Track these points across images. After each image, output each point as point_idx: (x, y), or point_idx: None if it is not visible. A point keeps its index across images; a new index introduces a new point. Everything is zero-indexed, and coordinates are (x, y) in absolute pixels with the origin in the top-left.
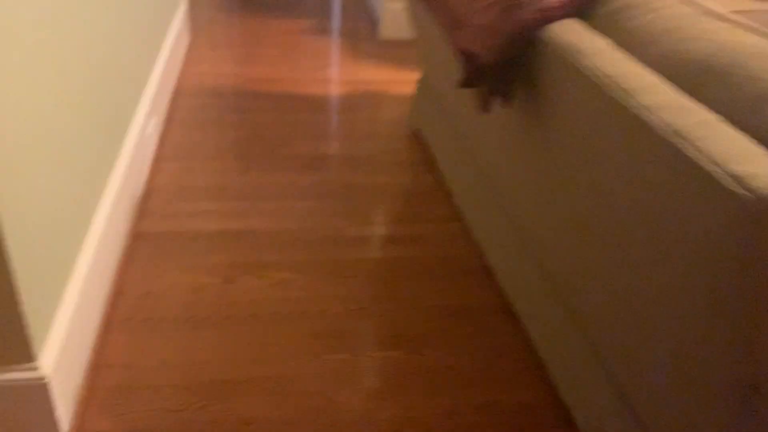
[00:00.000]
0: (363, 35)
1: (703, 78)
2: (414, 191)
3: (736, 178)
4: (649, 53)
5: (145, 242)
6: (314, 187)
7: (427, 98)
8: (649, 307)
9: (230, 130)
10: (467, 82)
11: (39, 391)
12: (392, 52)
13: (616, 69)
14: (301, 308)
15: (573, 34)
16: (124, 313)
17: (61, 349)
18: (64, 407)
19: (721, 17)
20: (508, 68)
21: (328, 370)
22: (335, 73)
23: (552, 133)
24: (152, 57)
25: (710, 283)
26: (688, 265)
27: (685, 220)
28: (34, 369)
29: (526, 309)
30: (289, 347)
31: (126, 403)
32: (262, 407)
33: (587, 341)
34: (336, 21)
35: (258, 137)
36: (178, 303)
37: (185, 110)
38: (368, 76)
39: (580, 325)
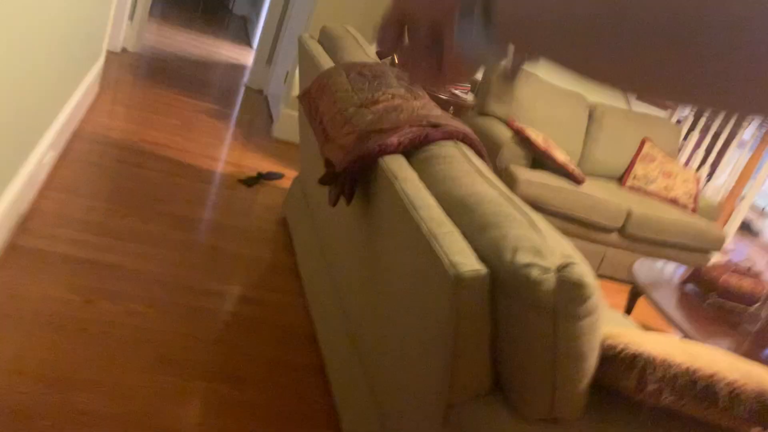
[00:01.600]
0: (258, 129)
1: (459, 208)
2: (270, 265)
3: (453, 264)
4: (436, 188)
5: (19, 254)
6: (183, 242)
7: (298, 193)
8: (403, 344)
9: (118, 179)
10: (323, 181)
11: None
12: (280, 150)
13: (414, 192)
14: (147, 336)
15: (395, 164)
16: None
17: None
18: None
19: (480, 173)
20: (352, 178)
21: (159, 386)
22: (225, 153)
23: (371, 228)
24: (63, 97)
25: (432, 335)
26: (421, 320)
27: (428, 285)
28: None
29: (334, 367)
30: (129, 363)
31: None
32: (96, 403)
33: (367, 378)
34: (236, 111)
35: (142, 191)
36: (39, 309)
37: (81, 152)
38: (254, 164)
39: (364, 366)
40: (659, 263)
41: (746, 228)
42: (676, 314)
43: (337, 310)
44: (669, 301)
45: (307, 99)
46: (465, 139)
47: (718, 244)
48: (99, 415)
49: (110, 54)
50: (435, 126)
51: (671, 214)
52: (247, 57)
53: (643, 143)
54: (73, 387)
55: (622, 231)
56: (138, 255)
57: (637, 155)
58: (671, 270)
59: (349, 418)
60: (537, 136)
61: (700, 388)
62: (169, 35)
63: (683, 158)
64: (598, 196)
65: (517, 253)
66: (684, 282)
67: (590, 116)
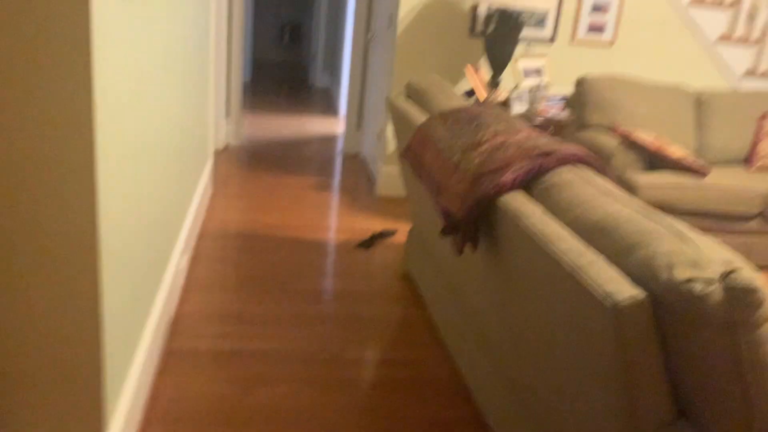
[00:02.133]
0: (361, 192)
1: (596, 234)
2: (403, 323)
3: (607, 294)
4: (565, 218)
5: (174, 358)
6: (318, 316)
7: (416, 245)
8: (568, 384)
9: (247, 267)
10: (445, 232)
11: None
12: (386, 207)
13: (544, 226)
14: (308, 414)
15: (516, 201)
16: (159, 414)
17: None
18: None
19: (607, 193)
20: (474, 223)
21: None
22: (336, 222)
23: (504, 270)
24: (186, 204)
25: (601, 374)
26: (586, 362)
27: (583, 320)
28: None
29: (495, 416)
30: None
31: None
32: None
33: (535, 424)
34: (337, 179)
35: (270, 274)
36: (204, 408)
37: (209, 250)
38: (365, 225)
39: (528, 410)
40: None
41: None
42: None
43: (484, 358)
44: None
45: (411, 155)
46: (582, 161)
47: None
48: None
49: (215, 152)
50: (547, 154)
51: None
52: (335, 126)
53: (763, 119)
54: None
55: (763, 215)
56: (279, 337)
57: (759, 132)
58: None
59: None
60: (647, 137)
61: None
62: (263, 122)
63: None
64: (728, 184)
65: (674, 269)
66: None
67: (697, 104)
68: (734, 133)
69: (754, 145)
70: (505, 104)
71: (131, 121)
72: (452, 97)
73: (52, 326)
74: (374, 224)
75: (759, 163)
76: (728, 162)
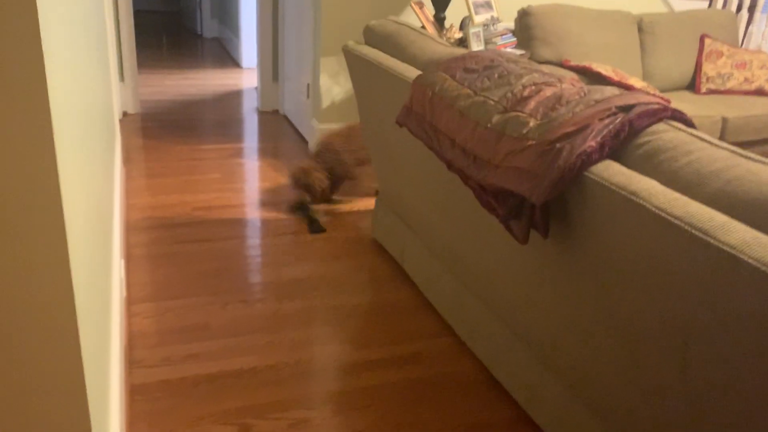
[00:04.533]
0: (293, 154)
1: (766, 216)
2: (397, 309)
3: None
4: (699, 193)
5: (142, 396)
6: (300, 314)
7: (388, 213)
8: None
9: (194, 263)
10: (506, 218)
11: None
12: None
13: (686, 208)
14: None
15: (618, 176)
16: None
17: None
18: None
19: (754, 158)
20: (548, 205)
21: None
22: (278, 194)
23: (598, 259)
24: (112, 193)
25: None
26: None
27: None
28: None
29: (547, 417)
30: None
31: None
32: None
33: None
34: (261, 142)
35: (225, 268)
36: None
37: (142, 247)
38: None
39: (598, 417)
40: None
41: None
42: None
43: (522, 354)
44: None
45: (414, 119)
46: (674, 116)
47: None
48: None
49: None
50: (628, 109)
51: (763, 107)
52: (238, 80)
53: (702, 41)
54: None
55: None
56: (263, 348)
57: (701, 55)
58: None
59: None
60: (606, 71)
61: None
62: (154, 83)
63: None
64: (687, 113)
65: None
66: None
67: (640, 30)
68: (677, 57)
69: (698, 67)
70: (462, 43)
71: (75, 96)
72: (433, 42)
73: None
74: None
75: (705, 87)
76: (674, 88)
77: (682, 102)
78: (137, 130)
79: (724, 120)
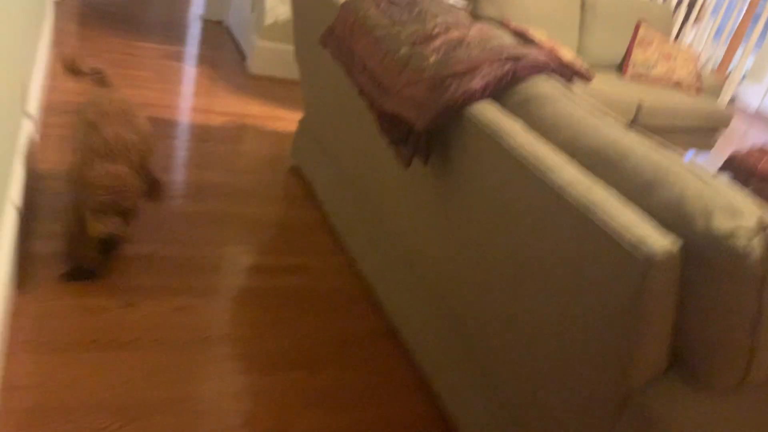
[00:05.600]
0: (230, 67)
1: (601, 165)
2: (299, 225)
3: (639, 241)
4: (554, 139)
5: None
6: (202, 215)
7: (309, 137)
8: (548, 339)
9: None
10: (393, 141)
11: None
12: (261, 88)
13: (534, 149)
14: (202, 334)
15: (491, 114)
16: None
17: None
18: None
19: (599, 115)
20: (431, 135)
21: (238, 389)
22: (207, 102)
23: (465, 192)
24: (31, 64)
25: (605, 320)
26: (587, 305)
27: (591, 273)
28: None
29: (413, 334)
30: (197, 370)
31: (40, 425)
32: (177, 429)
33: (477, 365)
34: (199, 49)
35: None
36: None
37: (57, 128)
38: (243, 110)
39: (470, 350)
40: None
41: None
42: None
43: (406, 278)
44: None
45: (334, 40)
46: (556, 71)
47: (725, 122)
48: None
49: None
50: (517, 59)
51: (679, 99)
52: None
53: (637, 27)
54: (144, 414)
55: (632, 124)
56: (165, 238)
57: (634, 41)
58: (697, 160)
59: (452, 400)
60: (541, 36)
61: None
62: None
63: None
64: (602, 90)
65: (713, 217)
66: (720, 170)
67: (582, 5)
68: (613, 38)
69: (629, 52)
70: None
71: None
72: None
73: None
74: (251, 107)
75: (631, 71)
76: (604, 67)
77: (606, 81)
78: (73, 16)
79: (639, 106)
